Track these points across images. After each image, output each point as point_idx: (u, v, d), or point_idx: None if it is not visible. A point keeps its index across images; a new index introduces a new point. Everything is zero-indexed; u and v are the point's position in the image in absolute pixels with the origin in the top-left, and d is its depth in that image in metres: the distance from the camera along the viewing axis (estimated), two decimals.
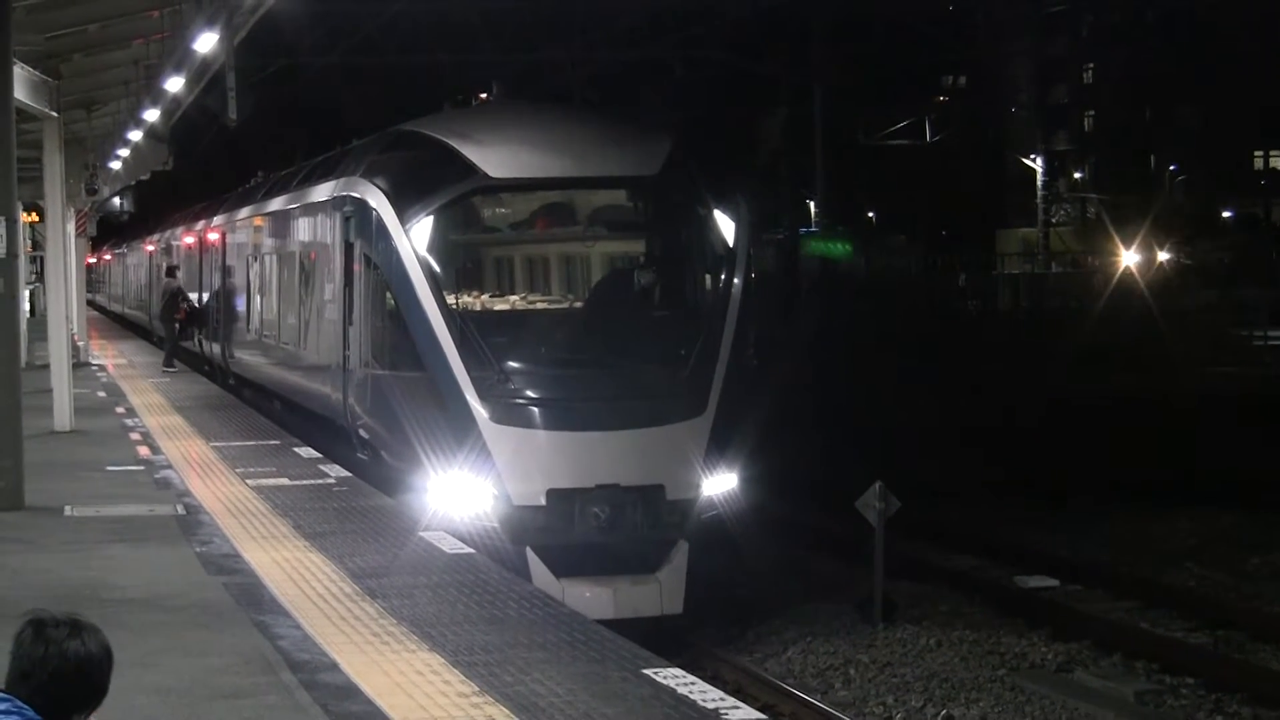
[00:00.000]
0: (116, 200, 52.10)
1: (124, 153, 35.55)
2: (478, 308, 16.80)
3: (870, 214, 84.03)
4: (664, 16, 45.43)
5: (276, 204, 26.07)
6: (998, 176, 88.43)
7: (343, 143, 24.53)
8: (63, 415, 23.19)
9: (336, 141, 25.90)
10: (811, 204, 58.91)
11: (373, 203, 17.33)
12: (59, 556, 13.71)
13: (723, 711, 8.85)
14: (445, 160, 16.91)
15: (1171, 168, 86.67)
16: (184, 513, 15.84)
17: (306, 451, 20.47)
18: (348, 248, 18.54)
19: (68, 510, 16.09)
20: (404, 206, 16.71)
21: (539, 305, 17.43)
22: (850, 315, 45.51)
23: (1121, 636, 16.54)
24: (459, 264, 17.34)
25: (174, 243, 43.90)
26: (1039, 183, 75.86)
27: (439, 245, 16.56)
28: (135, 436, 22.44)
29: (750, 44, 49.69)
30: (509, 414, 15.55)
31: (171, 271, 37.73)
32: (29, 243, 37.16)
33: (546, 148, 17.08)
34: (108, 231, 68.27)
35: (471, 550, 13.88)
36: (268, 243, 27.01)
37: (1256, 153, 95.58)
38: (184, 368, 35.91)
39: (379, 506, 16.18)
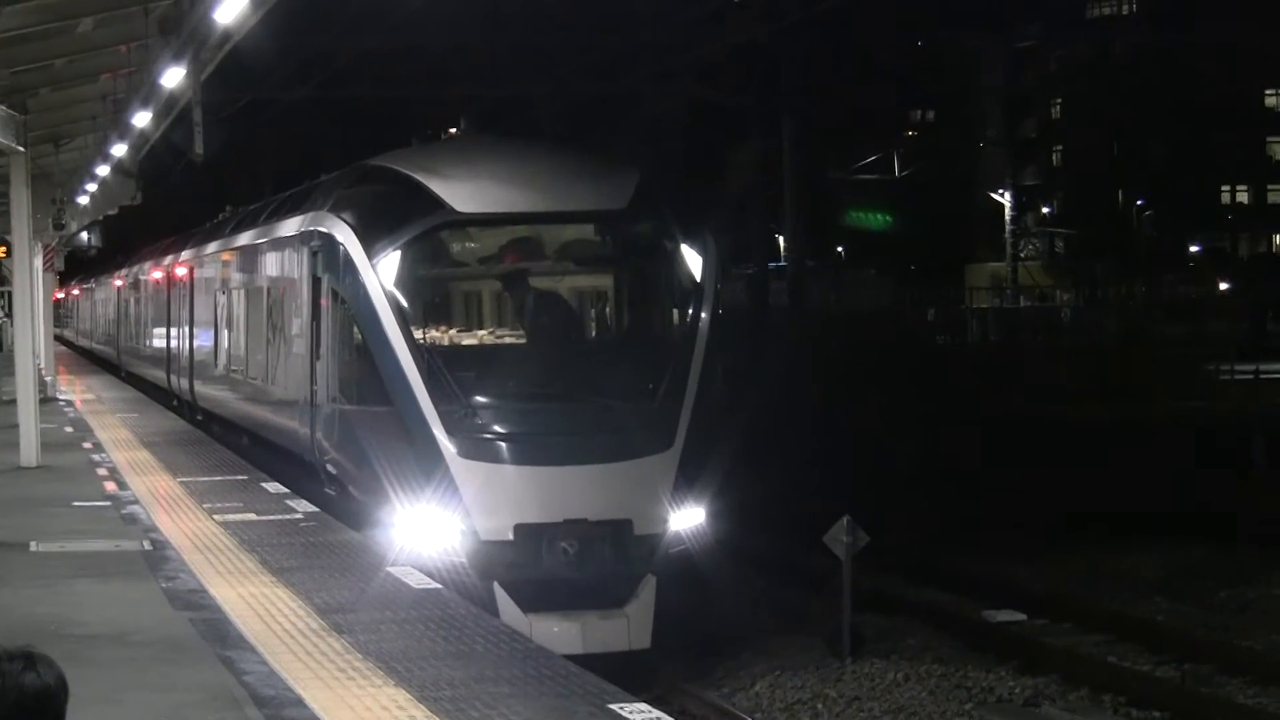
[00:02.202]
0: (84, 235, 51.93)
1: (92, 187, 35.44)
2: (445, 342, 16.77)
3: (839, 248, 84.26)
4: (636, 50, 45.50)
5: (244, 239, 26.01)
6: (967, 211, 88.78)
7: (310, 177, 24.51)
8: (29, 450, 23.08)
9: (304, 176, 25.86)
10: (781, 239, 58.99)
11: (340, 237, 17.31)
12: (25, 592, 13.63)
13: None
14: (412, 195, 16.89)
15: (1139, 202, 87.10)
16: (150, 548, 15.76)
17: (274, 486, 20.40)
18: (315, 282, 18.50)
19: (34, 546, 16.01)
20: (371, 241, 16.69)
21: (506, 340, 17.41)
22: (820, 349, 45.50)
23: (1089, 670, 16.54)
24: (426, 299, 17.30)
25: (142, 277, 43.74)
26: (1007, 217, 76.14)
27: (406, 280, 16.53)
28: (102, 472, 22.35)
29: (722, 78, 49.80)
30: (476, 449, 15.53)
31: None
32: None
33: (514, 182, 17.06)
34: (75, 266, 68.09)
35: (439, 585, 13.84)
36: (235, 277, 26.94)
37: (1223, 187, 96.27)
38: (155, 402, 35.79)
39: (346, 542, 16.12)
